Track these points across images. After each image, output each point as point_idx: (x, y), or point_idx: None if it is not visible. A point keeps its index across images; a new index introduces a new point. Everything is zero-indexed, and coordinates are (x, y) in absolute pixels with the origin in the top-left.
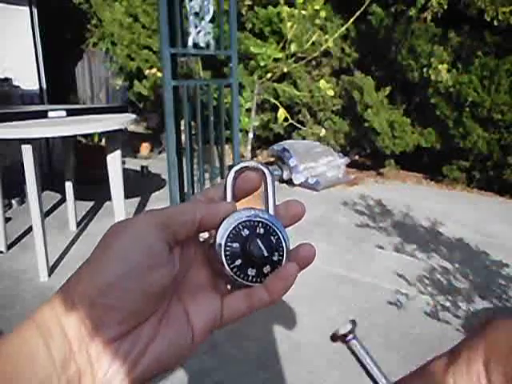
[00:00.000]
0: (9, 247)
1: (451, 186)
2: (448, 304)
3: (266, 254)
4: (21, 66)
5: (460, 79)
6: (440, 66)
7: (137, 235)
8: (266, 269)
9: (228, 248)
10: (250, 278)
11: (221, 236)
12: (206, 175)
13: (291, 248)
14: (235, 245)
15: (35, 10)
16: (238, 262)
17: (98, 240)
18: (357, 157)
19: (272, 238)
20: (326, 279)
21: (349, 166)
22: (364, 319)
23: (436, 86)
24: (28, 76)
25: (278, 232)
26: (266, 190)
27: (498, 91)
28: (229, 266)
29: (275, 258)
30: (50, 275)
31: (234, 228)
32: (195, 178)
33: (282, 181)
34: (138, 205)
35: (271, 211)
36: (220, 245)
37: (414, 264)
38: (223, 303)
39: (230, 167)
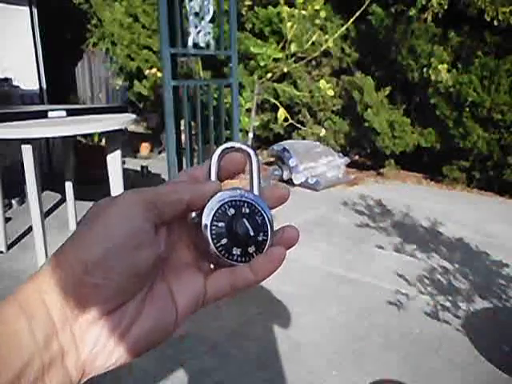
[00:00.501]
0: (9, 247)
1: (451, 186)
2: (448, 304)
3: (251, 234)
4: (21, 66)
5: (460, 79)
6: (440, 66)
7: (123, 214)
8: (251, 249)
9: (214, 227)
10: (236, 257)
11: (206, 215)
12: None
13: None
14: (221, 224)
15: (35, 10)
16: (224, 241)
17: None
18: (357, 157)
19: (257, 218)
20: (326, 279)
21: (349, 165)
22: (364, 319)
23: (436, 86)
24: (28, 76)
25: (262, 212)
26: (251, 170)
27: (498, 91)
28: (214, 245)
29: (260, 239)
30: None
31: (219, 207)
32: None
33: (281, 181)
34: None
35: (256, 192)
36: (206, 225)
37: (414, 264)
38: (207, 282)
39: (214, 150)
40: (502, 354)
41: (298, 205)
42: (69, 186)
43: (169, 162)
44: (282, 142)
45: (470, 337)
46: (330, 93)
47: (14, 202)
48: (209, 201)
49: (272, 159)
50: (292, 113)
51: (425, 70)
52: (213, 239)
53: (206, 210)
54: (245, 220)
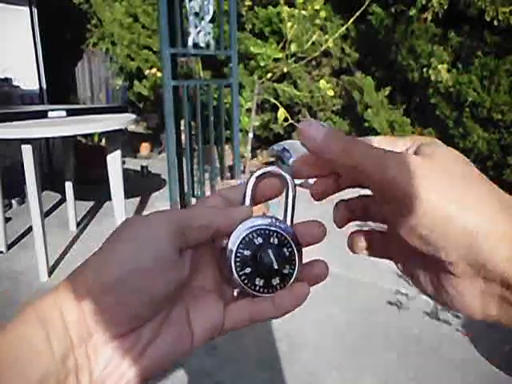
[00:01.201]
0: (9, 247)
1: None
2: None
3: (275, 267)
4: (21, 66)
5: (460, 79)
6: (440, 66)
7: (148, 236)
8: (275, 281)
9: (239, 254)
10: (258, 287)
11: (233, 242)
12: (206, 175)
13: (304, 262)
14: (246, 252)
15: (35, 10)
16: (248, 270)
17: (97, 239)
18: None
19: (285, 249)
20: (326, 279)
21: None
22: (364, 319)
23: (436, 86)
24: (28, 76)
25: (292, 244)
26: (287, 198)
27: (498, 91)
28: (237, 273)
29: (286, 271)
30: (49, 275)
31: (247, 235)
32: (195, 178)
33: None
34: (138, 205)
35: (289, 222)
36: (231, 251)
37: None
38: (227, 311)
39: (252, 173)
40: (502, 354)
41: (297, 205)
42: (69, 186)
43: (169, 162)
44: (281, 142)
45: (469, 337)
46: (330, 93)
47: (13, 201)
48: (238, 226)
49: (272, 159)
50: (292, 113)
51: (425, 70)
52: (236, 267)
53: (233, 235)
54: (270, 251)
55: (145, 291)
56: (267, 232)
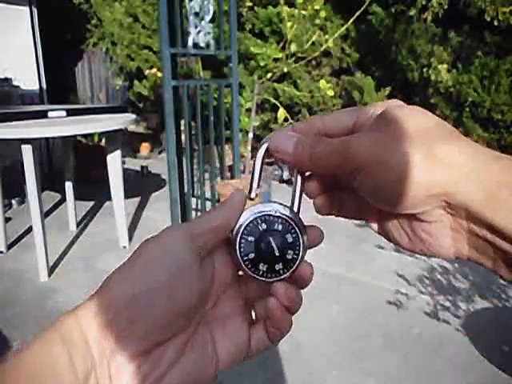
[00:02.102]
0: (9, 247)
1: None
2: (448, 304)
3: (276, 254)
4: (21, 66)
5: (460, 79)
6: (440, 66)
7: (166, 248)
8: (278, 266)
9: (243, 240)
10: (261, 272)
11: (238, 228)
12: (206, 175)
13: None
14: (250, 238)
15: (35, 10)
16: (251, 255)
17: (97, 239)
18: None
19: (289, 235)
20: (326, 279)
21: None
22: (364, 319)
23: (436, 86)
24: (28, 76)
25: (296, 230)
26: (295, 185)
27: (498, 91)
28: (241, 258)
29: (289, 257)
30: (49, 275)
31: (251, 221)
32: (195, 178)
33: (281, 181)
34: (138, 205)
35: (295, 208)
36: (236, 236)
37: (414, 264)
38: (251, 334)
39: (262, 142)
40: (502, 354)
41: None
42: (69, 186)
43: (169, 162)
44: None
45: (469, 337)
46: (330, 93)
47: (13, 202)
48: (243, 213)
49: (272, 159)
50: (292, 113)
51: (425, 70)
52: (240, 252)
53: (239, 222)
54: (271, 238)
55: (166, 303)
56: (271, 218)
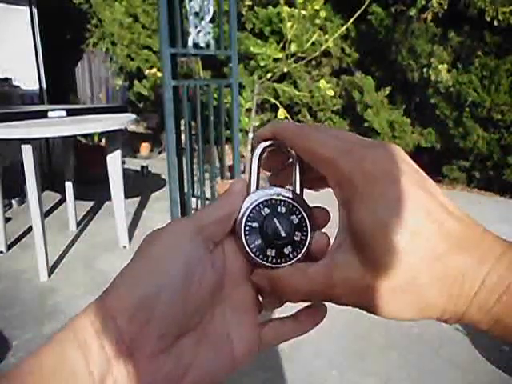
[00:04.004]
0: (9, 247)
1: (451, 186)
2: None
3: (283, 235)
4: (21, 66)
5: (460, 79)
6: (440, 66)
7: (172, 242)
8: (287, 249)
9: (248, 228)
10: (270, 258)
11: (241, 215)
12: (206, 175)
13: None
14: (255, 224)
15: (35, 10)
16: (258, 241)
17: (97, 239)
18: None
19: (294, 216)
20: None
21: None
22: (364, 319)
23: (436, 86)
24: (28, 76)
25: (301, 211)
26: (294, 169)
27: (498, 91)
28: (248, 246)
29: (297, 238)
30: (49, 275)
31: (254, 207)
32: (195, 178)
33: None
34: (138, 205)
35: (297, 189)
36: (240, 224)
37: None
38: (263, 329)
39: (258, 143)
40: (501, 354)
41: None
42: (69, 186)
43: (169, 162)
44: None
45: (469, 337)
46: (330, 93)
47: (13, 202)
48: (246, 199)
49: None
50: (292, 113)
51: (425, 70)
52: (246, 240)
53: (241, 209)
54: (276, 220)
55: (180, 299)
56: (273, 202)
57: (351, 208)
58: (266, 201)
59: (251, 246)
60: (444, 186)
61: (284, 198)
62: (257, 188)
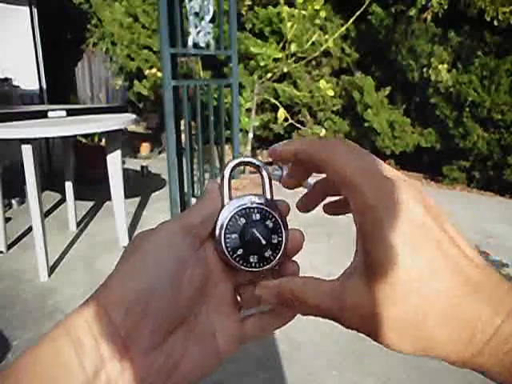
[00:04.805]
0: (9, 247)
1: (451, 186)
2: None
3: (263, 243)
4: (21, 66)
5: (460, 79)
6: (440, 66)
7: (163, 240)
8: (268, 253)
9: (228, 240)
10: (253, 264)
11: (219, 228)
12: (206, 175)
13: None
14: (234, 236)
15: (35, 10)
16: (240, 251)
17: (97, 239)
18: None
19: (269, 222)
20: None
21: None
22: None
23: (436, 86)
24: (28, 76)
25: (274, 214)
26: (262, 178)
27: (498, 91)
28: (231, 256)
29: (275, 241)
30: (49, 275)
31: (230, 219)
32: (195, 178)
33: (281, 181)
34: (138, 205)
35: (268, 195)
36: (220, 237)
37: None
38: (243, 318)
39: (227, 163)
40: None
41: (293, 209)
42: (69, 186)
43: (169, 162)
44: (281, 142)
45: None
46: (330, 93)
47: (14, 201)
48: (221, 211)
49: (271, 159)
50: (292, 113)
51: (425, 70)
52: (228, 252)
53: (218, 223)
54: (254, 230)
55: (172, 293)
56: (248, 210)
57: (369, 238)
58: (241, 210)
59: (234, 256)
60: (444, 185)
61: (256, 206)
62: (230, 198)
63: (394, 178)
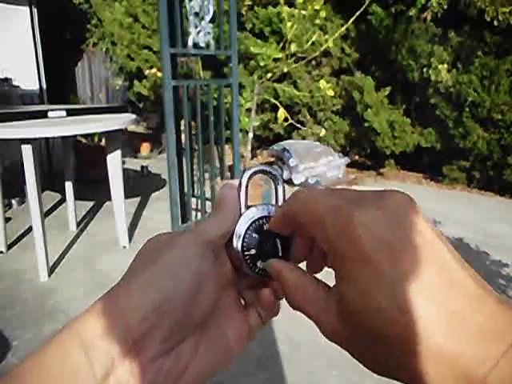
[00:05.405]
0: (9, 247)
1: (451, 186)
2: None
3: (280, 254)
4: (21, 66)
5: (460, 79)
6: (440, 66)
7: (186, 254)
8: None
9: (247, 236)
10: (257, 270)
11: (240, 225)
12: (206, 175)
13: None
14: (255, 235)
15: (35, 10)
16: (252, 251)
17: (97, 239)
18: (357, 157)
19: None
20: (325, 279)
21: (349, 165)
22: None
23: (436, 86)
24: (28, 76)
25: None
26: (276, 192)
27: (498, 91)
28: (243, 252)
29: (289, 252)
30: (49, 275)
31: (256, 220)
32: (195, 178)
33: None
34: (138, 205)
35: (280, 202)
36: (237, 247)
37: None
38: (247, 318)
39: (244, 171)
40: None
41: None
42: (69, 186)
43: (169, 162)
44: (281, 142)
45: None
46: (330, 93)
47: (14, 201)
48: (243, 214)
49: (272, 159)
50: (292, 113)
51: (425, 70)
52: (243, 246)
53: (240, 221)
54: (278, 240)
55: (190, 305)
56: (265, 220)
57: (338, 280)
58: (259, 219)
59: (245, 254)
60: (444, 185)
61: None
62: (246, 207)
63: (363, 203)
